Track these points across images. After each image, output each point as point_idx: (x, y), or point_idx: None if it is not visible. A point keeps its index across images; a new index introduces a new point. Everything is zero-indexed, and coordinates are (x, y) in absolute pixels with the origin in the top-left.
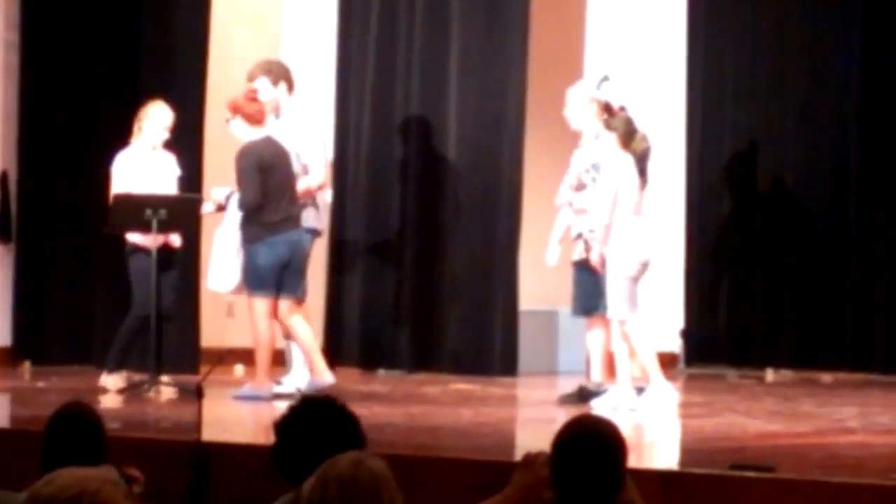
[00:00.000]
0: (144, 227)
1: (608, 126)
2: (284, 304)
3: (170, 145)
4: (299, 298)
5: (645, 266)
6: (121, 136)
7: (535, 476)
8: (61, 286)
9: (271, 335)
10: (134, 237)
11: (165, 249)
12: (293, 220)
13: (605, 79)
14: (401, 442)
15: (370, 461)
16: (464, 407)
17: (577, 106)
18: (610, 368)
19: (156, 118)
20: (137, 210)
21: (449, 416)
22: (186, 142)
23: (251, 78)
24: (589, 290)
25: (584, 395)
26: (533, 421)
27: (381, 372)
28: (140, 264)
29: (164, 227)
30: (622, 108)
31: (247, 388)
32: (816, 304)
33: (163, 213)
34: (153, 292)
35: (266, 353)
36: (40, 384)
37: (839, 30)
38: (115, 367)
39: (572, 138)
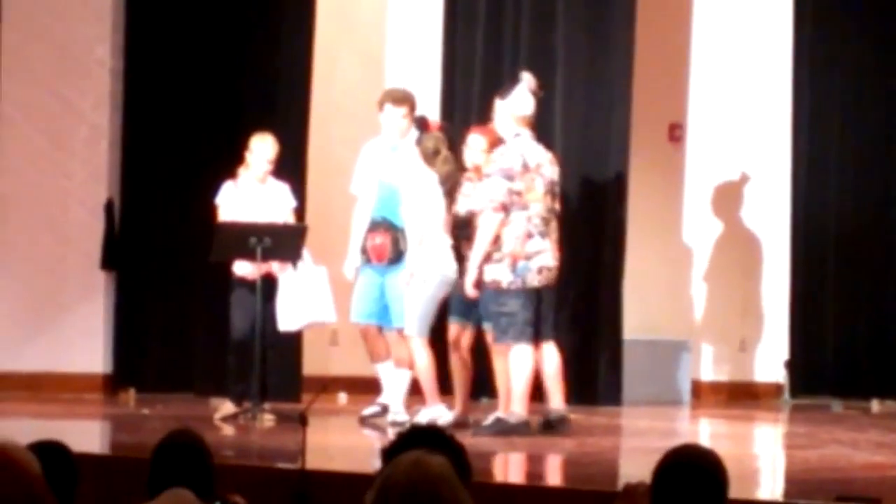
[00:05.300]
0: (249, 255)
1: (417, 142)
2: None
3: (275, 175)
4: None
5: (447, 285)
6: (223, 163)
7: None
8: (162, 314)
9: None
10: (239, 269)
11: (267, 280)
12: None
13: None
14: (506, 471)
15: (428, 461)
16: (567, 436)
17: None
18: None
19: (258, 151)
20: (242, 238)
21: (552, 446)
22: (290, 170)
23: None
24: None
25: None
26: (635, 451)
27: (485, 400)
28: (238, 295)
29: (269, 256)
30: (441, 128)
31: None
32: None
33: (267, 241)
34: (255, 321)
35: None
36: (145, 411)
37: None
38: (232, 396)
39: (677, 161)
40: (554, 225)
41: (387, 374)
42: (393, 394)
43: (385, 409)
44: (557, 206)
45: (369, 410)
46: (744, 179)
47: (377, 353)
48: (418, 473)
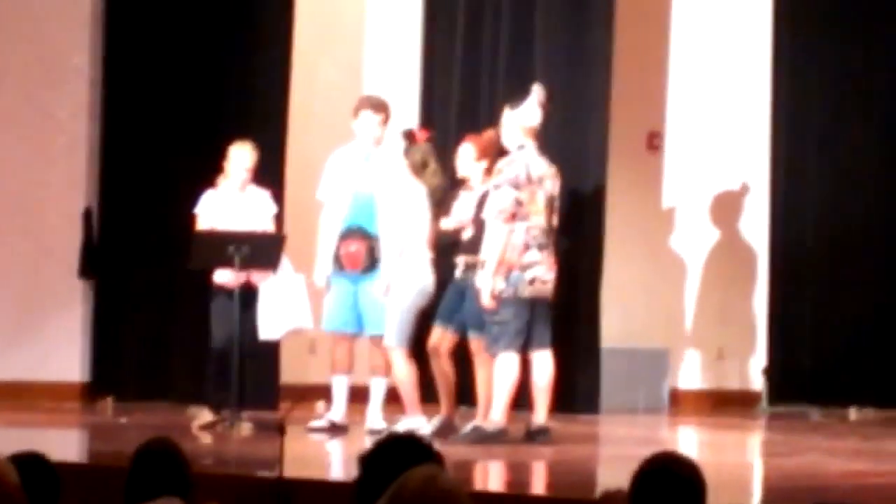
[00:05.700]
0: (227, 264)
1: (405, 154)
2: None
3: (254, 182)
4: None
5: (426, 296)
6: (202, 172)
7: None
8: (140, 322)
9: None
10: (219, 278)
11: (247, 289)
12: None
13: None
14: (485, 479)
15: (443, 479)
16: (545, 444)
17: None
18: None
19: (236, 160)
20: (220, 246)
21: (531, 454)
22: (269, 178)
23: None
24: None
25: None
26: (613, 459)
27: (463, 408)
28: (218, 303)
29: (247, 264)
30: (428, 139)
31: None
32: None
33: (245, 249)
34: (234, 330)
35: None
36: (123, 420)
37: None
38: (211, 404)
39: (656, 170)
40: (552, 239)
41: (340, 389)
42: (371, 402)
43: (332, 426)
44: (555, 220)
45: (316, 423)
46: (722, 188)
47: (340, 364)
48: (431, 489)
